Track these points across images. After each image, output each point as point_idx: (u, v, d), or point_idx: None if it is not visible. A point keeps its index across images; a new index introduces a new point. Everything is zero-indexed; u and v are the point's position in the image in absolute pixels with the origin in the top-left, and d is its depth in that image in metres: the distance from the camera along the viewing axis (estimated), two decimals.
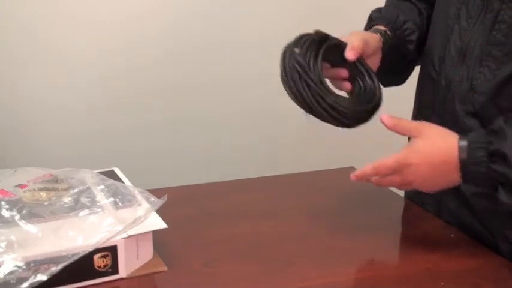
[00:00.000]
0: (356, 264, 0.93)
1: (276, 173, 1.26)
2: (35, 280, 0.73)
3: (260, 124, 1.82)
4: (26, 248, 0.77)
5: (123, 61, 1.70)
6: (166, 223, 0.86)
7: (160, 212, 0.88)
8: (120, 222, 0.83)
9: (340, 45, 0.96)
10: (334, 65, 0.97)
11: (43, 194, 0.88)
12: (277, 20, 1.81)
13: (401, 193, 1.13)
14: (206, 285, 0.84)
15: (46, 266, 0.75)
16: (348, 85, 0.98)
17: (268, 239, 0.98)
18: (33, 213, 0.83)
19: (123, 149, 1.72)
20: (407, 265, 0.92)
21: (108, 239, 0.81)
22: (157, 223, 0.86)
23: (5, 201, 0.84)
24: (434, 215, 1.05)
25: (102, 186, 0.92)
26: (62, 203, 0.87)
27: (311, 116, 0.91)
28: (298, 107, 0.94)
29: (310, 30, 0.95)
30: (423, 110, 1.07)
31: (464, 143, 0.85)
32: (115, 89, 1.71)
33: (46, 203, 0.86)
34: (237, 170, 1.60)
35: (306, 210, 1.09)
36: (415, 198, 1.10)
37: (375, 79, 0.98)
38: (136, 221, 0.84)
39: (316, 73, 0.90)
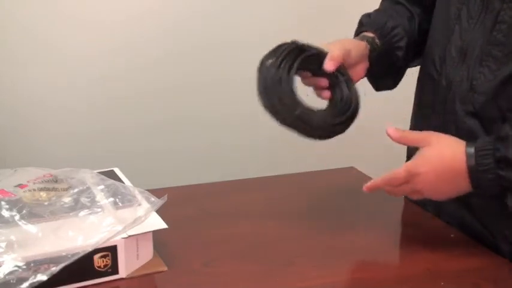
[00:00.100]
0: (356, 264, 0.93)
1: (276, 173, 1.25)
2: (35, 280, 0.73)
3: (260, 124, 1.81)
4: (26, 248, 0.77)
5: (123, 61, 1.70)
6: (166, 223, 0.86)
7: (160, 212, 0.88)
8: (120, 222, 0.83)
9: (320, 55, 0.96)
10: (315, 74, 0.98)
11: (43, 194, 0.88)
12: (277, 20, 1.81)
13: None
14: (206, 285, 0.84)
15: (46, 266, 0.75)
16: (327, 94, 0.98)
17: (268, 239, 0.98)
18: (33, 213, 0.83)
19: (123, 149, 1.72)
20: (407, 265, 0.92)
21: (108, 239, 0.81)
22: (157, 223, 0.86)
23: (5, 201, 0.84)
24: (434, 215, 1.05)
25: (102, 186, 0.92)
26: (62, 203, 0.87)
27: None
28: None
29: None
30: (423, 110, 1.07)
31: (471, 150, 0.85)
32: (115, 89, 1.71)
33: (46, 203, 0.86)
34: (237, 170, 1.60)
35: (306, 210, 1.09)
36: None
37: (353, 89, 0.98)
38: (136, 221, 0.84)
39: (288, 86, 0.90)
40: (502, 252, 0.94)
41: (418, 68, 1.13)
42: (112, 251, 0.81)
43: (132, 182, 0.98)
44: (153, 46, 1.72)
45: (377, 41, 1.05)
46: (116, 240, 0.81)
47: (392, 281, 0.86)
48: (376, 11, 1.12)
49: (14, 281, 0.73)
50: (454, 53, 0.98)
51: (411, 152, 1.06)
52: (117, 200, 0.88)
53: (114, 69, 1.69)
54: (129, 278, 0.84)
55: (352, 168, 1.29)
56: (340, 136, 0.99)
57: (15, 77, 1.62)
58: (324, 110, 0.97)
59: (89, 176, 0.94)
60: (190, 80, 1.77)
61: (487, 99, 0.92)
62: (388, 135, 0.91)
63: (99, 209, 0.86)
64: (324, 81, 0.98)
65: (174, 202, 0.91)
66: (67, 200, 0.88)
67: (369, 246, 0.96)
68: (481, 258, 0.92)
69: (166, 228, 0.85)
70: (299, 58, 0.93)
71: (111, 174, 0.99)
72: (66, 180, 0.92)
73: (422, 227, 1.03)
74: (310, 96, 1.01)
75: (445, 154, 0.88)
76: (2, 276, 0.73)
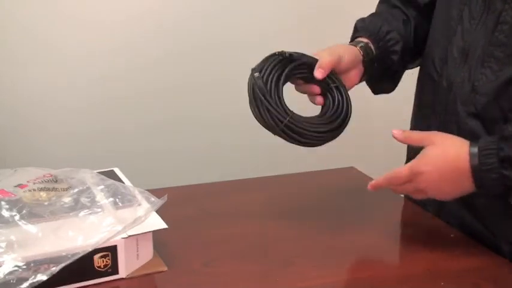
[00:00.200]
0: (356, 264, 0.93)
1: (276, 173, 1.26)
2: (35, 280, 0.73)
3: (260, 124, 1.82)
4: (26, 248, 0.77)
5: (123, 61, 1.70)
6: (166, 223, 0.86)
7: (160, 212, 0.88)
8: (120, 222, 0.83)
9: (311, 63, 0.98)
10: (307, 81, 1.00)
11: (43, 194, 0.88)
12: (277, 20, 1.81)
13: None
14: (206, 285, 0.84)
15: (46, 266, 0.75)
16: (320, 100, 1.00)
17: (268, 239, 0.98)
18: (33, 213, 0.83)
19: (123, 149, 1.72)
20: (407, 265, 0.92)
21: (108, 239, 0.81)
22: (157, 223, 0.86)
23: (5, 201, 0.84)
24: (434, 215, 1.05)
25: (102, 186, 0.92)
26: (62, 203, 0.87)
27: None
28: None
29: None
30: (423, 110, 1.07)
31: (474, 149, 0.85)
32: (115, 89, 1.71)
33: (46, 203, 0.86)
34: (237, 170, 1.60)
35: (306, 210, 1.09)
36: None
37: (344, 95, 1.00)
38: (136, 221, 0.84)
39: (276, 97, 0.93)
40: (503, 253, 0.93)
41: (418, 68, 1.13)
42: (112, 251, 0.81)
43: (132, 182, 0.98)
44: (153, 46, 1.72)
45: (371, 46, 1.05)
46: (116, 240, 0.81)
47: (392, 281, 0.86)
48: (371, 15, 1.12)
49: (14, 281, 0.73)
50: (455, 54, 0.98)
51: (411, 152, 1.06)
52: (117, 200, 0.88)
53: (114, 69, 1.69)
54: (129, 278, 0.84)
55: (352, 168, 1.29)
56: (340, 136, 0.99)
57: (15, 77, 1.62)
58: (315, 118, 0.99)
59: (89, 176, 0.94)
60: (190, 80, 1.77)
61: (489, 100, 0.92)
62: (394, 136, 0.92)
63: (99, 209, 0.86)
64: (315, 88, 0.99)
65: (174, 202, 0.91)
66: (67, 200, 0.88)
67: (369, 246, 0.96)
68: (481, 258, 0.92)
69: (166, 228, 0.85)
70: (287, 68, 0.96)
71: (111, 174, 0.99)
72: (66, 180, 0.92)
73: (423, 226, 1.03)
74: (307, 101, 1.02)
75: (449, 154, 0.88)
76: (2, 276, 0.73)
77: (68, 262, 0.76)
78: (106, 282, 0.82)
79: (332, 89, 0.99)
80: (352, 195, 1.15)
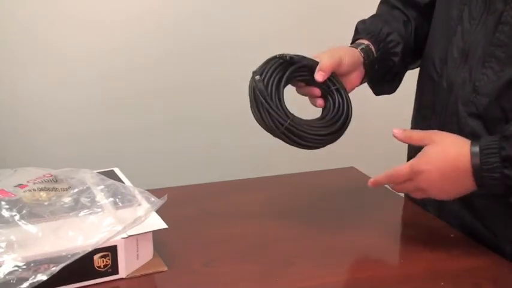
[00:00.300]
0: (356, 264, 0.93)
1: (276, 173, 1.26)
2: (35, 280, 0.73)
3: None
4: (26, 248, 0.77)
5: (123, 61, 1.70)
6: (166, 223, 0.86)
7: (160, 212, 0.88)
8: (120, 222, 0.83)
9: (312, 66, 0.98)
10: (308, 83, 1.00)
11: (43, 194, 0.88)
12: (277, 20, 1.81)
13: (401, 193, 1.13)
14: (206, 285, 0.84)
15: (46, 266, 0.75)
16: (321, 102, 1.01)
17: (268, 239, 0.98)
18: (33, 213, 0.83)
19: (123, 149, 1.72)
20: (407, 265, 0.92)
21: (108, 239, 0.81)
22: (157, 223, 0.86)
23: (5, 201, 0.84)
24: (434, 216, 1.05)
25: (102, 186, 0.92)
26: (62, 203, 0.87)
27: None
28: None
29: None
30: (423, 111, 1.07)
31: (476, 148, 0.85)
32: (115, 89, 1.71)
33: (46, 203, 0.86)
34: (237, 170, 1.60)
35: (306, 210, 1.09)
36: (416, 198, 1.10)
37: (345, 97, 1.00)
38: (136, 221, 0.84)
39: (276, 100, 0.94)
40: (504, 253, 0.93)
41: (417, 69, 1.13)
42: (112, 251, 0.81)
43: (132, 182, 0.98)
44: (153, 46, 1.72)
45: (372, 48, 1.05)
46: (116, 240, 0.81)
47: (393, 281, 0.86)
48: (371, 17, 1.12)
49: (14, 281, 0.73)
50: (455, 54, 0.98)
51: (412, 151, 1.06)
52: (117, 200, 0.88)
53: (114, 69, 1.69)
54: (129, 278, 0.84)
55: (352, 168, 1.29)
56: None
57: (15, 77, 1.62)
58: (315, 120, 0.99)
59: (89, 176, 0.94)
60: (190, 80, 1.77)
61: (490, 101, 0.92)
62: (394, 136, 0.92)
63: (99, 209, 0.86)
64: (316, 91, 1.00)
65: (174, 202, 0.91)
66: (67, 200, 0.88)
67: (369, 246, 0.96)
68: (481, 258, 0.92)
69: (166, 228, 0.85)
70: (288, 71, 0.96)
71: (111, 174, 0.99)
72: (66, 180, 0.92)
73: (423, 227, 1.03)
74: (307, 103, 1.02)
75: (449, 152, 0.87)
76: (2, 276, 0.73)
77: (68, 262, 0.76)
78: (106, 282, 0.82)
79: (333, 91, 1.00)
80: (352, 195, 1.15)
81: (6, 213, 0.82)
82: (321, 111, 1.01)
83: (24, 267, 0.74)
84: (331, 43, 1.05)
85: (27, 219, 0.81)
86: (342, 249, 0.95)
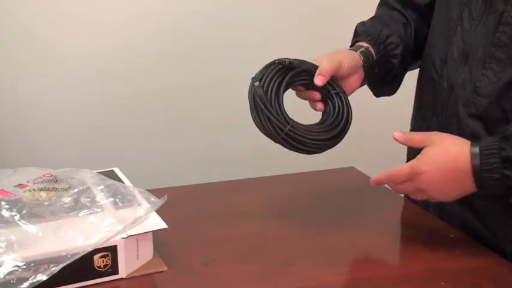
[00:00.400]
0: (356, 264, 0.93)
1: (276, 173, 1.26)
2: (35, 280, 0.73)
3: None
4: (26, 248, 0.77)
5: (123, 61, 1.70)
6: (166, 223, 0.86)
7: (160, 212, 0.88)
8: (120, 222, 0.83)
9: (311, 70, 0.98)
10: (308, 87, 1.00)
11: (43, 194, 0.88)
12: (277, 20, 1.81)
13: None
14: (206, 285, 0.84)
15: (46, 266, 0.75)
16: (321, 106, 1.00)
17: (268, 239, 0.98)
18: (33, 213, 0.83)
19: (123, 149, 1.72)
20: (407, 265, 0.92)
21: (108, 239, 0.81)
22: (157, 223, 0.86)
23: (5, 201, 0.84)
24: (434, 216, 1.05)
25: (102, 186, 0.92)
26: (62, 203, 0.87)
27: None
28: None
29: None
30: (423, 111, 1.07)
31: (476, 149, 0.85)
32: (115, 89, 1.71)
33: (46, 203, 0.86)
34: (237, 170, 1.60)
35: (306, 210, 1.09)
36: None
37: (345, 101, 1.00)
38: (136, 221, 0.84)
39: (276, 105, 0.94)
40: (505, 253, 0.93)
41: (417, 70, 1.13)
42: (112, 251, 0.81)
43: (132, 182, 0.98)
44: (153, 46, 1.72)
45: (371, 50, 1.05)
46: (116, 240, 0.81)
47: (392, 281, 0.86)
48: (371, 19, 1.12)
49: (14, 281, 0.73)
50: (456, 54, 0.98)
51: (411, 152, 1.06)
52: (117, 200, 0.88)
53: (114, 69, 1.69)
54: (129, 278, 0.84)
55: (352, 168, 1.29)
56: None
57: (15, 77, 1.62)
58: (315, 125, 0.99)
59: (89, 176, 0.94)
60: (190, 80, 1.77)
61: (491, 101, 0.92)
62: (395, 138, 0.93)
63: (99, 209, 0.86)
64: (316, 95, 1.00)
65: (174, 202, 0.91)
66: (67, 200, 0.88)
67: (369, 246, 0.96)
68: (481, 258, 0.92)
69: (166, 228, 0.85)
70: (287, 77, 0.96)
71: (111, 174, 0.99)
72: (66, 180, 0.92)
73: (423, 227, 1.03)
74: (307, 107, 1.02)
75: (449, 153, 0.87)
76: (2, 276, 0.73)
77: (68, 262, 0.76)
78: (106, 282, 0.82)
79: (332, 95, 1.00)
80: (352, 195, 1.15)
81: (6, 213, 0.82)
82: (321, 115, 1.01)
83: (24, 267, 0.74)
84: (331, 43, 1.05)
85: (27, 219, 0.81)
86: (342, 249, 0.95)
